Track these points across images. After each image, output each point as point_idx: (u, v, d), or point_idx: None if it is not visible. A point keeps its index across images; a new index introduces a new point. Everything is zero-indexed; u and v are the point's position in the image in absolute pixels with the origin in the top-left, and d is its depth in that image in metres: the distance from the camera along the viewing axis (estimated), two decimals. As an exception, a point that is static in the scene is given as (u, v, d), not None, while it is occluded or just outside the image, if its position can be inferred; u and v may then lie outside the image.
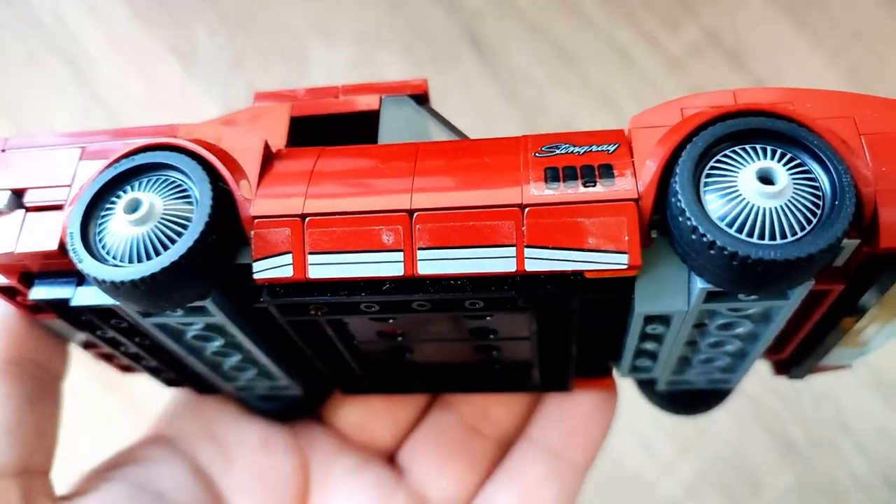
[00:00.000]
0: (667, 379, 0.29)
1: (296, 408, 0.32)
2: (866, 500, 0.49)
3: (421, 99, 0.26)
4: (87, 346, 0.30)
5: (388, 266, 0.21)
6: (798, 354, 0.27)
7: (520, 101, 0.58)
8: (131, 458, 0.29)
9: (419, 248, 0.21)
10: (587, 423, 0.30)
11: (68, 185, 0.24)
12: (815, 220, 0.19)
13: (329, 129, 0.26)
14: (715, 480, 0.50)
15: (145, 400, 0.52)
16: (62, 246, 0.23)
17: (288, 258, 0.22)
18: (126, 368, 0.31)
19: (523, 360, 0.28)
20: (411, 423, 0.33)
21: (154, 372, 0.30)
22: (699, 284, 0.21)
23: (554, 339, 0.25)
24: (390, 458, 0.33)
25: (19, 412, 0.26)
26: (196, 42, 0.61)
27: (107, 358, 0.31)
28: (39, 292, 0.24)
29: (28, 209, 0.24)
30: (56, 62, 0.61)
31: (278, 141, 0.26)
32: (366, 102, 0.26)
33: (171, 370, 0.30)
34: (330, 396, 0.33)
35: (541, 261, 0.21)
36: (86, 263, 0.21)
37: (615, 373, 0.29)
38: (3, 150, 0.26)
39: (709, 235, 0.19)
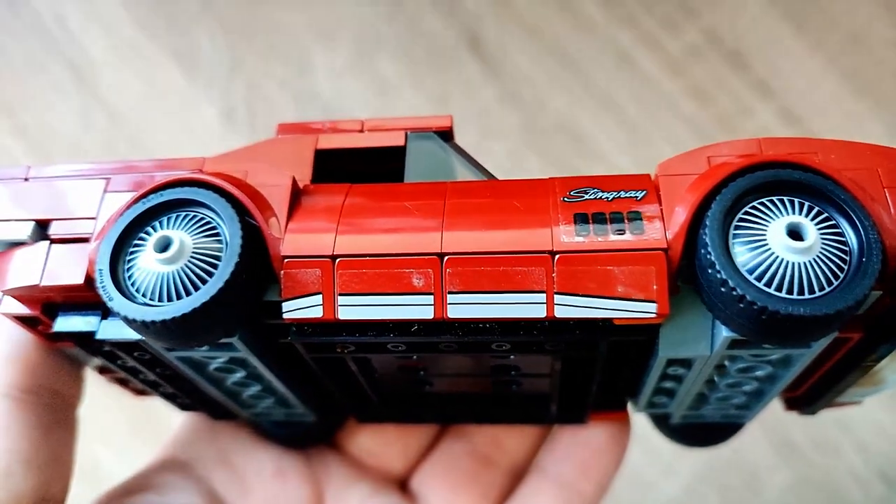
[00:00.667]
0: (682, 414, 0.29)
1: (309, 434, 0.32)
2: (865, 499, 0.49)
3: (446, 136, 0.26)
4: (102, 370, 0.30)
5: (418, 309, 0.22)
6: (813, 394, 0.28)
7: (520, 103, 0.58)
8: (147, 484, 0.29)
9: (449, 292, 0.21)
10: (600, 457, 0.31)
11: (93, 218, 0.24)
12: (841, 276, 0.20)
13: (353, 163, 0.26)
14: (715, 480, 0.50)
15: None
16: (88, 280, 0.23)
17: (318, 299, 0.22)
18: (141, 392, 0.31)
19: (541, 393, 0.28)
20: (424, 451, 0.33)
21: (170, 398, 0.30)
22: (724, 333, 0.21)
23: (577, 377, 0.26)
24: (403, 485, 0.33)
25: (36, 441, 0.26)
26: (196, 46, 0.61)
27: (122, 382, 0.30)
28: (64, 324, 0.24)
29: (52, 241, 0.24)
30: (58, 66, 0.61)
31: (304, 175, 0.26)
32: (392, 139, 0.26)
33: (187, 396, 0.30)
34: (344, 423, 0.33)
35: (571, 307, 0.21)
36: (116, 302, 0.21)
37: (630, 407, 0.30)
38: (25, 179, 0.26)
39: (738, 290, 0.19)
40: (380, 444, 0.32)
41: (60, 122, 0.60)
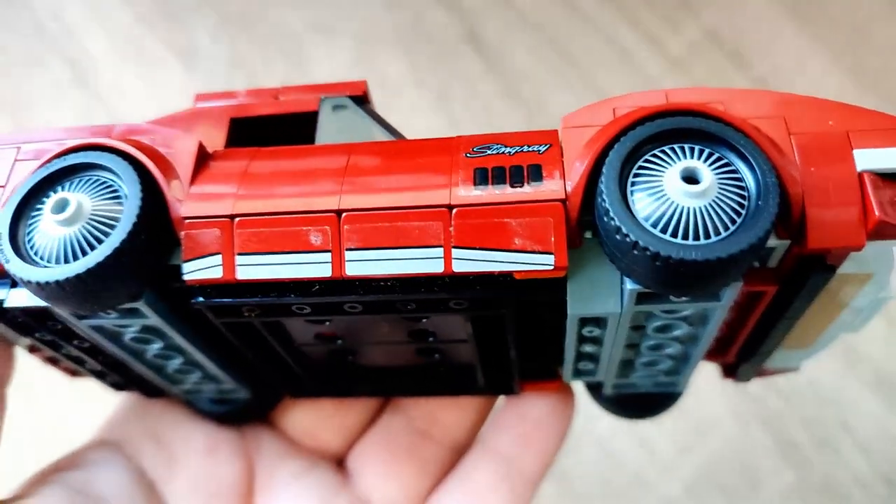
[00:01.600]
0: (612, 383, 0.28)
1: (246, 411, 0.32)
2: (866, 500, 0.49)
3: (360, 100, 0.26)
4: (31, 349, 0.29)
5: (316, 267, 0.21)
6: (742, 357, 0.27)
7: (520, 100, 0.58)
8: (74, 463, 0.29)
9: (347, 249, 0.21)
10: (541, 429, 0.30)
11: (2, 186, 0.24)
12: (739, 220, 0.19)
13: (270, 130, 0.26)
14: (715, 480, 0.50)
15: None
16: None
17: (217, 259, 0.22)
18: (73, 373, 0.31)
19: (466, 362, 0.27)
20: (362, 428, 0.32)
21: (99, 376, 0.30)
22: (629, 286, 0.21)
23: (492, 341, 0.25)
24: (340, 463, 0.32)
25: None
26: (197, 43, 0.61)
27: (53, 361, 0.30)
28: None
29: None
30: (58, 63, 0.61)
31: (217, 142, 0.25)
32: (305, 104, 0.26)
33: (115, 374, 0.29)
34: (281, 400, 0.32)
35: (468, 261, 0.21)
36: (12, 264, 0.21)
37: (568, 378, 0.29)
38: None
39: (631, 236, 0.19)
40: (316, 421, 0.32)
41: (60, 120, 0.60)
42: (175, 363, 0.28)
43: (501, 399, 0.32)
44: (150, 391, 0.31)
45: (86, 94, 0.61)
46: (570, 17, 0.60)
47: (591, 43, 0.59)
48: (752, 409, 0.50)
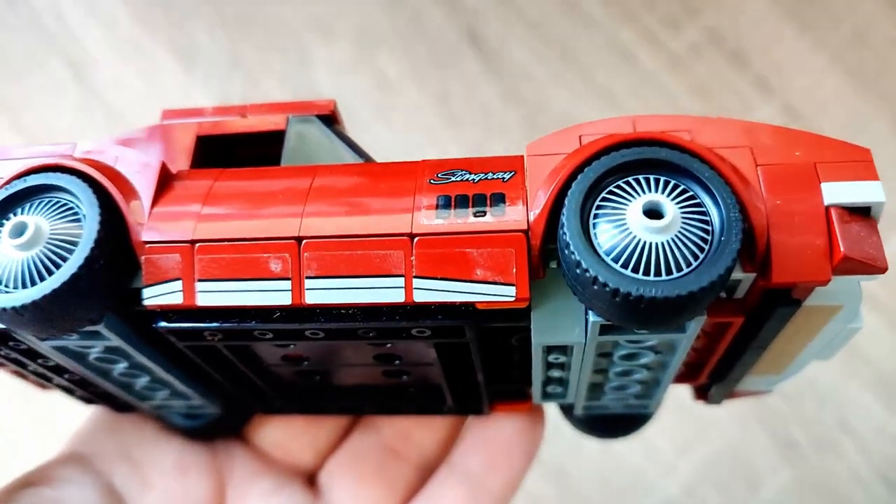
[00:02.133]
0: (582, 404, 0.28)
1: (218, 426, 0.32)
2: (866, 500, 0.49)
3: (329, 119, 0.26)
4: None
5: (276, 295, 0.21)
6: (712, 381, 0.27)
7: (521, 100, 0.58)
8: (44, 478, 0.29)
9: (307, 277, 0.21)
10: (509, 450, 0.30)
11: None
12: (702, 256, 0.19)
13: (236, 148, 0.26)
14: (715, 480, 0.50)
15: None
16: None
17: (178, 285, 0.21)
18: (43, 386, 0.31)
19: (435, 383, 0.27)
20: (334, 443, 0.32)
21: (67, 391, 0.30)
22: (591, 318, 0.21)
23: (458, 365, 0.25)
24: (311, 479, 0.32)
25: None
26: (196, 42, 0.61)
27: (21, 376, 0.30)
28: None
29: None
30: (57, 63, 0.61)
31: (182, 161, 0.25)
32: (272, 122, 0.25)
33: (83, 389, 0.29)
34: (253, 416, 0.32)
35: (430, 291, 0.20)
36: None
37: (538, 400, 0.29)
38: None
39: (591, 271, 0.19)
40: (288, 436, 0.32)
41: (59, 120, 0.60)
42: (142, 381, 0.27)
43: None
44: (119, 406, 0.31)
45: (85, 93, 0.61)
46: (570, 17, 0.60)
47: (591, 42, 0.59)
48: (752, 409, 0.50)
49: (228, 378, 0.27)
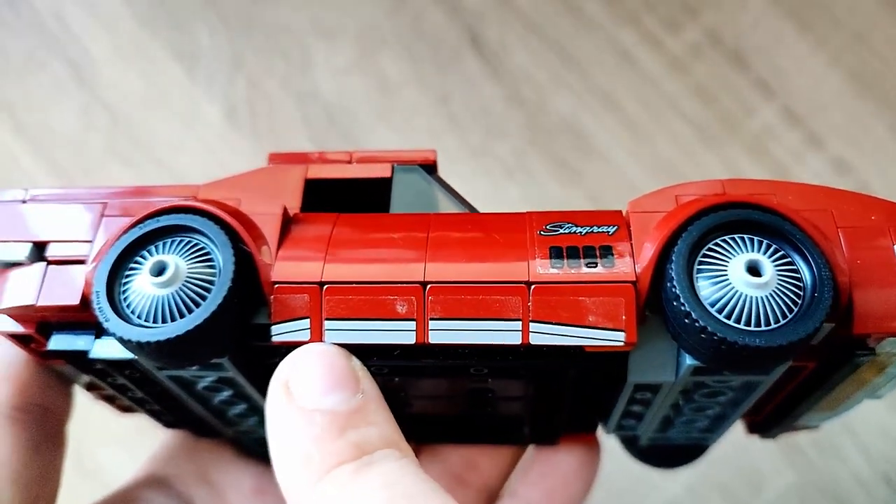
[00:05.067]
0: (649, 436, 0.30)
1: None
2: (868, 501, 0.49)
3: (430, 169, 0.28)
4: (90, 387, 0.30)
5: (401, 334, 0.23)
6: (772, 418, 0.29)
7: (521, 102, 0.59)
8: (124, 500, 0.30)
9: (431, 319, 0.23)
10: (568, 483, 0.32)
11: (90, 241, 0.25)
12: (796, 309, 0.21)
13: (341, 193, 0.27)
14: (716, 480, 0.50)
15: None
16: (84, 301, 0.24)
17: (306, 323, 0.23)
18: (126, 409, 0.32)
19: (515, 415, 0.29)
20: None
21: (155, 415, 0.31)
22: (688, 361, 0.23)
23: (548, 400, 0.27)
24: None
25: (25, 459, 0.26)
26: (197, 44, 0.61)
27: (109, 399, 0.31)
28: (58, 343, 0.25)
29: (49, 262, 0.25)
30: (58, 64, 0.61)
31: (293, 204, 0.27)
32: (378, 170, 0.27)
33: (172, 414, 0.30)
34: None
35: (544, 335, 0.22)
36: (112, 323, 0.22)
37: (600, 429, 0.31)
38: (24, 201, 0.26)
39: (700, 322, 0.21)
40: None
41: (61, 121, 0.60)
42: (238, 408, 0.29)
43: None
44: (201, 431, 0.32)
45: (86, 94, 0.60)
46: (570, 19, 0.60)
47: (592, 44, 0.60)
48: None
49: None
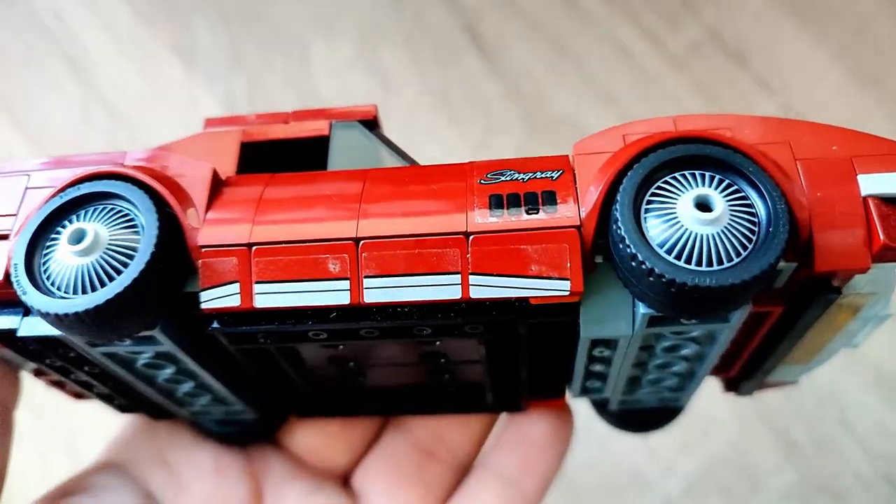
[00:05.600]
0: (618, 399, 0.29)
1: (251, 431, 0.32)
2: (867, 499, 0.49)
3: (371, 125, 0.26)
4: (37, 373, 0.29)
5: (334, 294, 0.21)
6: (745, 373, 0.28)
7: (521, 97, 0.58)
8: (81, 486, 0.29)
9: (365, 277, 0.21)
10: (542, 452, 0.30)
11: (14, 215, 0.24)
12: (750, 246, 0.20)
13: (280, 154, 0.26)
14: (716, 479, 0.50)
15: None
16: (7, 276, 0.23)
17: (235, 287, 0.22)
18: (78, 395, 0.31)
19: (475, 381, 0.28)
20: (366, 445, 0.32)
21: (106, 399, 0.30)
22: (642, 310, 0.21)
23: (504, 362, 0.26)
24: (345, 481, 0.32)
25: None
26: (197, 40, 0.61)
27: (58, 385, 0.30)
28: None
29: None
30: (57, 61, 0.61)
31: (228, 167, 0.26)
32: (315, 128, 0.26)
33: (123, 397, 0.29)
34: (286, 420, 0.33)
35: (486, 288, 0.21)
36: (29, 295, 0.21)
37: (569, 396, 0.30)
38: None
39: (647, 263, 0.19)
40: (322, 440, 0.32)
41: (59, 118, 0.60)
42: (186, 387, 0.28)
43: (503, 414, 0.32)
44: (156, 413, 0.31)
45: (85, 92, 0.61)
46: (570, 16, 0.60)
47: (592, 41, 0.59)
48: (753, 408, 0.51)
49: (271, 380, 0.27)
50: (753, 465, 0.50)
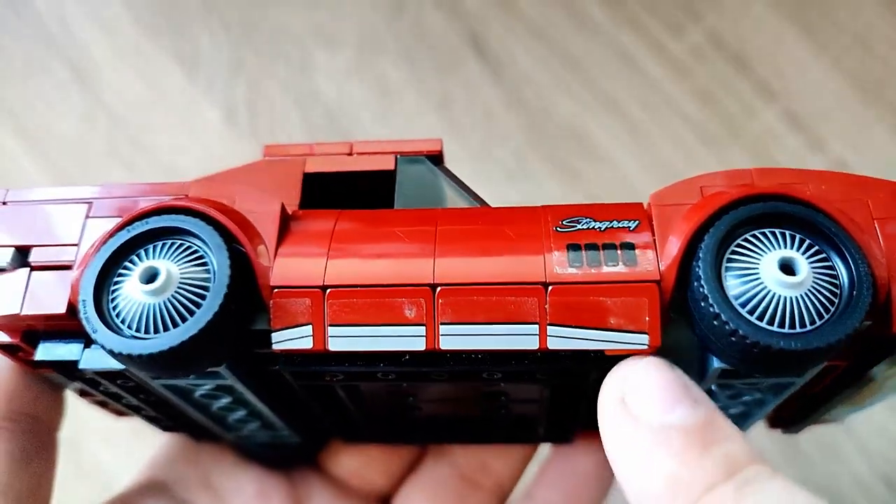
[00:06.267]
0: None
1: (293, 455, 0.32)
2: (867, 501, 0.49)
3: (436, 160, 0.26)
4: (83, 393, 0.29)
5: (410, 340, 0.21)
6: (797, 415, 0.28)
7: (523, 106, 0.58)
8: None
9: (442, 323, 0.21)
10: (587, 485, 0.31)
11: (76, 245, 0.23)
12: (832, 309, 0.20)
13: (342, 186, 0.26)
14: None
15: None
16: (71, 309, 0.22)
17: (308, 329, 0.22)
18: (121, 413, 0.31)
19: (530, 415, 0.28)
20: (406, 470, 0.32)
21: (152, 420, 0.30)
22: (715, 364, 0.21)
23: (565, 402, 0.26)
24: (385, 504, 0.33)
25: (14, 471, 0.25)
26: (198, 48, 0.61)
27: (102, 404, 0.30)
28: (46, 353, 0.24)
29: (33, 268, 0.23)
30: (60, 68, 0.61)
31: (292, 199, 0.25)
32: (381, 162, 0.26)
33: (170, 420, 0.29)
34: (328, 443, 0.32)
35: (563, 339, 0.21)
36: (100, 334, 0.21)
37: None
38: (3, 203, 0.25)
39: (731, 324, 0.19)
40: (363, 464, 0.32)
41: (62, 124, 0.59)
42: (238, 415, 0.28)
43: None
44: (200, 435, 0.31)
45: (87, 97, 0.60)
46: (572, 22, 0.60)
47: (593, 48, 0.59)
48: None
49: (326, 410, 0.27)
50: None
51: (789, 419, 0.29)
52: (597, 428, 0.29)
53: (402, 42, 0.60)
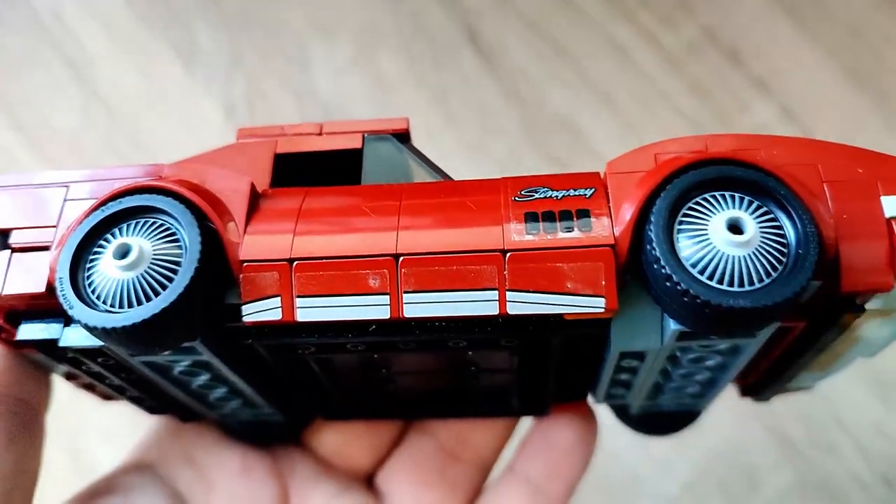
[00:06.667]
0: (639, 404, 0.30)
1: (277, 433, 0.33)
2: (865, 499, 0.49)
3: (402, 138, 0.27)
4: (69, 376, 0.30)
5: (374, 309, 0.22)
6: (764, 381, 0.29)
7: (519, 99, 0.59)
8: (110, 487, 0.30)
9: (405, 292, 0.22)
10: (568, 457, 0.31)
11: (54, 226, 0.24)
12: (780, 268, 0.20)
13: (312, 166, 0.27)
14: (713, 478, 0.50)
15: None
16: (50, 288, 0.23)
17: (276, 301, 0.22)
18: (108, 397, 0.31)
19: (503, 387, 0.29)
20: (390, 446, 0.33)
21: (137, 401, 0.30)
22: (672, 326, 0.22)
23: (533, 371, 0.26)
24: (369, 482, 0.33)
25: None
26: (196, 41, 0.61)
27: (88, 387, 0.31)
28: (27, 332, 0.24)
29: (14, 249, 0.24)
30: (56, 62, 0.61)
31: (263, 180, 0.26)
32: (349, 141, 0.26)
33: (154, 400, 0.30)
34: (311, 421, 0.33)
35: (522, 304, 0.22)
36: (76, 310, 0.22)
37: (591, 400, 0.30)
38: None
39: (682, 284, 0.20)
40: (347, 441, 0.33)
41: (59, 119, 0.60)
42: (218, 392, 0.28)
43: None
44: (185, 415, 0.32)
45: (85, 92, 0.61)
46: (567, 16, 0.61)
47: (589, 41, 0.60)
48: (751, 407, 0.50)
49: (302, 385, 0.28)
50: (752, 465, 0.51)
51: (756, 386, 0.30)
52: (570, 398, 0.30)
53: (400, 35, 0.61)
